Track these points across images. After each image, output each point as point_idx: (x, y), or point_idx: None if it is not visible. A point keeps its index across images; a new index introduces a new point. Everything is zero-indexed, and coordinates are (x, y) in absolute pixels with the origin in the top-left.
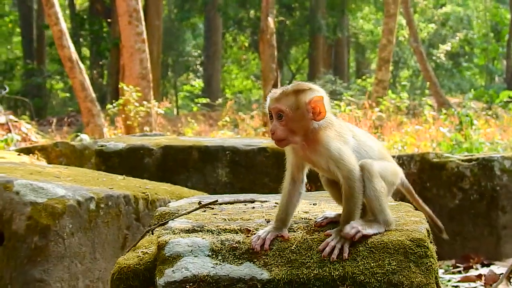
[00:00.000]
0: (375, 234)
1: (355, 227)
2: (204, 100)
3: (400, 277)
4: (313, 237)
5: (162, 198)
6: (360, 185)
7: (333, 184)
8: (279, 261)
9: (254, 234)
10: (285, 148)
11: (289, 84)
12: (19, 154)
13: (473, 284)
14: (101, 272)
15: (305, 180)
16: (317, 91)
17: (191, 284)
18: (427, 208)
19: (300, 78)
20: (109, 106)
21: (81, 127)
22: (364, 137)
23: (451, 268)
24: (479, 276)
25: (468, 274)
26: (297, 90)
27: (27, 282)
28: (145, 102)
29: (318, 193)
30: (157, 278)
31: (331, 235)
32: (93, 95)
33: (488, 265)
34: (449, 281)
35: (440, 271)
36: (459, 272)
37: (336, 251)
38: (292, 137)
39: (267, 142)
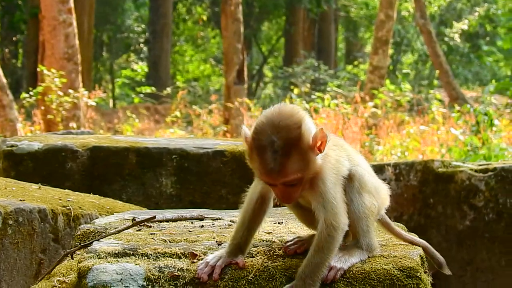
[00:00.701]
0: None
1: (333, 266)
2: (148, 89)
3: None
4: (276, 264)
5: (88, 214)
6: (341, 238)
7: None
8: None
9: (201, 259)
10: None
11: (260, 70)
12: None
13: None
14: None
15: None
16: (306, 119)
17: None
18: (417, 239)
19: (274, 62)
20: (24, 95)
21: None
22: (355, 156)
23: None
24: None
25: None
26: (293, 138)
27: None
28: (71, 91)
29: (285, 210)
30: None
31: None
32: (4, 80)
33: None
34: None
35: None
36: None
37: None
38: (304, 188)
39: (224, 143)
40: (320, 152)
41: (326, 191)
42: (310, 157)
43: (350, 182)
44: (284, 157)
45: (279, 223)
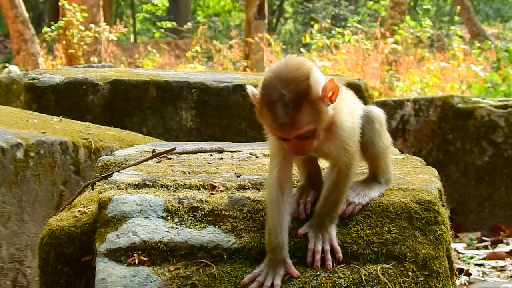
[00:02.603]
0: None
1: (352, 201)
2: (169, 24)
3: (402, 248)
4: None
5: (109, 146)
6: (354, 176)
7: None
8: (250, 225)
9: (220, 190)
10: (269, 143)
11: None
12: None
13: (502, 263)
14: (30, 238)
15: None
16: (313, 70)
17: (139, 252)
18: None
19: None
20: (46, 29)
21: (10, 56)
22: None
23: (476, 242)
24: (509, 253)
25: (496, 250)
26: (303, 90)
27: None
28: (92, 25)
29: None
30: (97, 244)
31: (308, 234)
32: (26, 14)
33: None
34: (471, 257)
35: (462, 246)
36: (486, 247)
37: (328, 256)
38: (318, 139)
39: (244, 78)
40: (332, 103)
41: (343, 135)
42: (321, 108)
43: (369, 123)
44: (295, 110)
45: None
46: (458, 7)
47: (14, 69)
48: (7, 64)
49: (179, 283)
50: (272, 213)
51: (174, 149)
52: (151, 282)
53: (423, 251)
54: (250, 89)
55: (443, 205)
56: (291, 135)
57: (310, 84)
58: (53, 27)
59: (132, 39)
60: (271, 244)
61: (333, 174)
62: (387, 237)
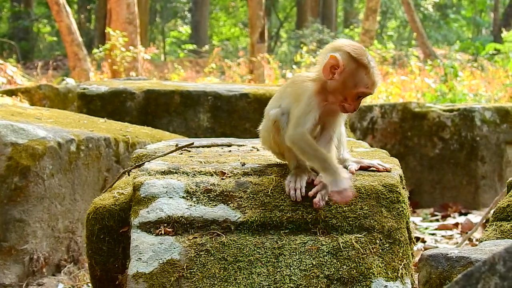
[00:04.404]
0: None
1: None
2: (191, 47)
3: (371, 221)
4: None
5: (142, 141)
6: None
7: None
8: (253, 203)
9: (229, 176)
10: (304, 108)
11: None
12: (1, 96)
13: (449, 232)
14: (80, 213)
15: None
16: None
17: (165, 225)
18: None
19: (288, 26)
20: (95, 50)
21: (67, 71)
22: None
23: (430, 216)
24: (456, 224)
25: (445, 222)
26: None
27: (7, 222)
28: (131, 47)
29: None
30: (132, 218)
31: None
32: (80, 39)
33: (465, 214)
34: (426, 228)
35: (418, 219)
36: (437, 220)
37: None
38: None
39: (248, 88)
40: None
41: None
42: None
43: None
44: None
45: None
46: (415, 34)
47: (70, 81)
48: (65, 78)
49: (196, 249)
50: (317, 143)
51: (192, 143)
52: (174, 248)
53: (388, 224)
54: (337, 56)
55: (403, 188)
56: (373, 91)
57: None
58: (101, 49)
59: (162, 58)
60: (331, 161)
61: (329, 137)
62: (360, 212)
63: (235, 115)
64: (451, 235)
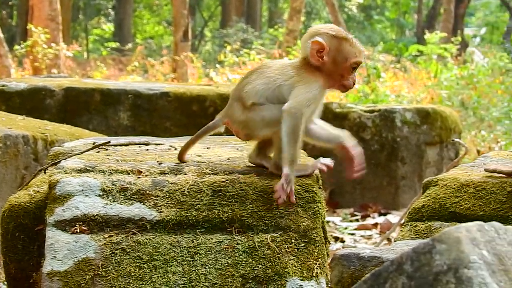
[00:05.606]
0: None
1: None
2: (114, 45)
3: (287, 221)
4: (204, 180)
5: (61, 139)
6: None
7: None
8: (169, 202)
9: (145, 174)
10: (316, 86)
11: (201, 31)
12: None
13: (368, 232)
14: None
15: None
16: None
17: (81, 223)
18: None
19: (212, 25)
20: (17, 47)
21: None
22: None
23: (349, 216)
24: (375, 225)
25: (365, 222)
26: None
27: None
28: (53, 45)
29: (212, 138)
30: (47, 216)
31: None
32: (1, 35)
33: (385, 214)
34: (345, 228)
35: (338, 219)
36: (357, 220)
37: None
38: None
39: (169, 86)
40: None
41: None
42: None
43: None
44: None
45: (207, 148)
46: None
47: None
48: None
49: (111, 247)
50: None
51: (109, 142)
52: (89, 246)
53: (303, 223)
54: (318, 39)
55: (319, 188)
56: (363, 58)
57: None
58: (22, 46)
59: (85, 56)
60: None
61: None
62: (276, 212)
63: (156, 114)
64: (370, 235)
